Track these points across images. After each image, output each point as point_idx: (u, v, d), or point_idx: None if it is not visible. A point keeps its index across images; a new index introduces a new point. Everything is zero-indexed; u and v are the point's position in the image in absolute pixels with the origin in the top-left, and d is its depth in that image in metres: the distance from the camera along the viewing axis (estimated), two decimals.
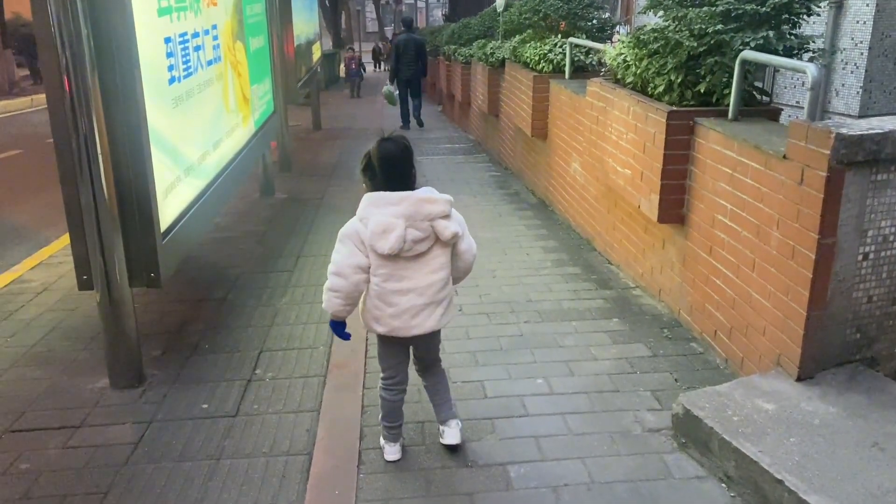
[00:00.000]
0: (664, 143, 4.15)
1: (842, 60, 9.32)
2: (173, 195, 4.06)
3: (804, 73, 3.34)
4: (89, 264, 3.55)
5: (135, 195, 3.57)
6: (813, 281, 3.05)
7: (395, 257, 2.72)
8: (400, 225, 2.66)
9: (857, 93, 9.52)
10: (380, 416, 3.12)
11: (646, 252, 4.88)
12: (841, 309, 3.17)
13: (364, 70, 22.59)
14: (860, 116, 9.38)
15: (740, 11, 3.99)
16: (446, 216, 2.75)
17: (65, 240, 6.04)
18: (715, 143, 3.88)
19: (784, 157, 3.21)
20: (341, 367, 3.93)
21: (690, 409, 3.06)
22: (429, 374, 3.11)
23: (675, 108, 4.15)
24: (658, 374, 3.77)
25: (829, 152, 2.91)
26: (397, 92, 13.26)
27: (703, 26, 3.99)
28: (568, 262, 5.61)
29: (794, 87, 9.99)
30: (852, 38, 9.27)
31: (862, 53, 9.19)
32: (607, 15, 8.47)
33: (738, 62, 3.84)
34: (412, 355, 3.08)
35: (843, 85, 10.13)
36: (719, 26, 3.94)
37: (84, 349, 4.20)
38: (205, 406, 3.56)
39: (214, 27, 5.17)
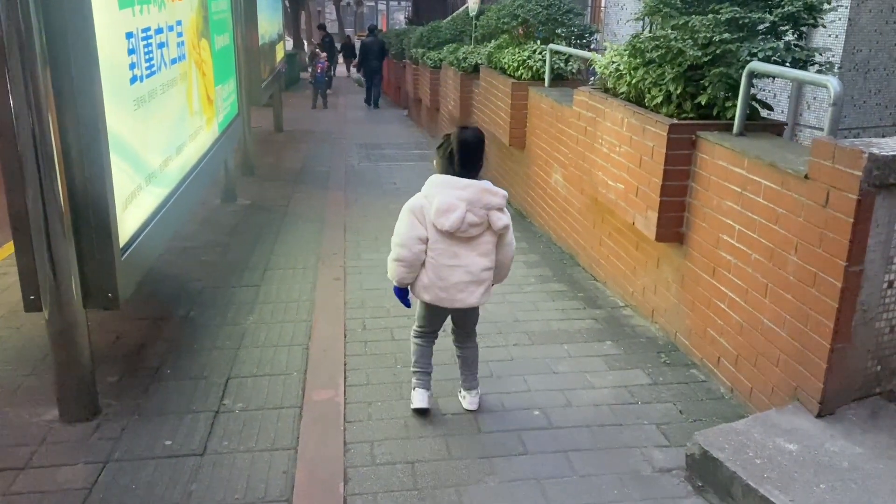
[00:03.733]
0: (664, 158, 3.92)
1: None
2: (134, 205, 3.69)
3: (825, 87, 3.14)
4: (37, 282, 3.16)
5: (91, 205, 3.19)
6: (838, 311, 2.84)
7: (451, 235, 3.05)
8: (462, 207, 2.99)
9: (829, 107, 9.47)
10: (411, 363, 3.42)
11: (637, 270, 4.65)
12: (864, 340, 2.96)
13: (331, 75, 19.69)
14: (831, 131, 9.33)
15: (747, 20, 3.80)
16: (500, 209, 3.08)
17: (9, 248, 5.56)
18: (721, 158, 3.66)
19: (806, 176, 3.00)
20: (318, 396, 3.59)
21: (708, 450, 2.81)
22: (464, 346, 3.42)
23: (676, 121, 3.92)
24: (661, 404, 3.53)
25: (860, 174, 2.69)
26: (364, 79, 18.36)
27: (709, 35, 3.78)
28: (552, 278, 5.35)
29: (766, 99, 9.93)
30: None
31: (834, 67, 9.15)
32: (586, 22, 8.27)
33: (745, 74, 3.64)
34: (451, 323, 3.39)
35: (814, 98, 10.11)
36: (726, 35, 3.73)
37: (31, 374, 3.78)
38: (168, 443, 3.19)
39: (179, 23, 4.79)
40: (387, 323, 4.44)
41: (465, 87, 9.41)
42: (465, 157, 3.06)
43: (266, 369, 3.88)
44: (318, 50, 20.42)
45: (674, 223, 4.04)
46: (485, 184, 3.07)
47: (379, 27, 34.39)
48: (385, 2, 55.01)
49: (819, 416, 2.97)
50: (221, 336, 4.29)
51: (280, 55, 12.83)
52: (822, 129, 9.64)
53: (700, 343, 3.89)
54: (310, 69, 18.50)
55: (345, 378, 3.76)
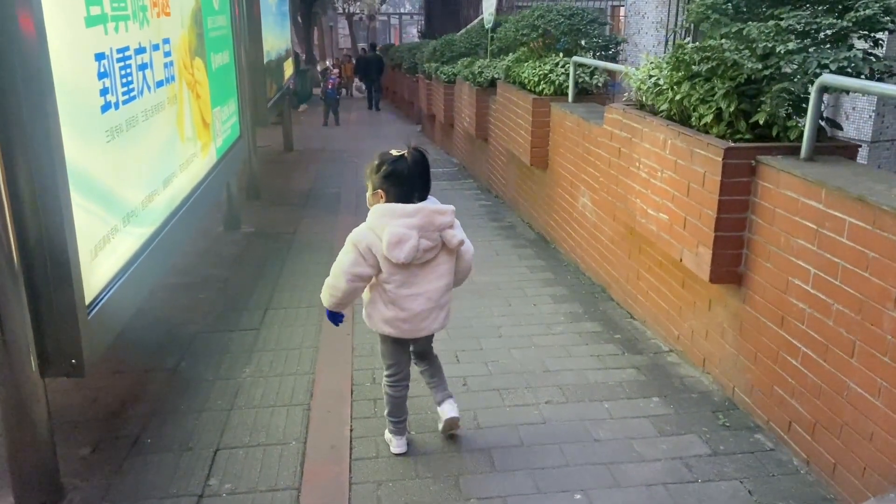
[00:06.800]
0: (719, 187, 3.38)
1: None
2: (107, 252, 3.19)
3: None
4: None
5: (48, 256, 2.70)
6: None
7: (407, 265, 2.88)
8: (414, 236, 2.83)
9: (870, 117, 8.91)
10: (385, 412, 3.25)
11: (683, 311, 4.10)
12: None
13: (340, 93, 19.53)
14: (873, 142, 8.77)
15: (814, 27, 3.26)
16: (452, 225, 2.96)
17: None
18: (789, 189, 3.11)
19: None
20: (319, 473, 3.07)
21: None
22: (424, 362, 3.30)
23: (732, 143, 3.39)
24: (725, 482, 2.97)
25: None
26: (364, 87, 23.05)
27: (770, 44, 3.24)
28: (583, 315, 4.81)
29: None
30: None
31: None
32: (608, 32, 7.76)
33: (815, 88, 3.10)
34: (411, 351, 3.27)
35: (853, 108, 9.52)
36: (791, 45, 3.20)
37: None
38: None
39: (167, 41, 4.32)
40: None
41: (480, 103, 8.91)
42: (421, 178, 2.92)
43: (261, 437, 3.37)
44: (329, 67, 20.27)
45: (731, 262, 3.49)
46: (431, 205, 2.92)
47: (391, 42, 35.16)
48: (398, 16, 54.86)
49: None
50: (213, 394, 3.79)
51: (289, 72, 12.41)
52: (864, 142, 8.96)
53: (765, 403, 3.33)
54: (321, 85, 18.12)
55: (350, 449, 3.24)
